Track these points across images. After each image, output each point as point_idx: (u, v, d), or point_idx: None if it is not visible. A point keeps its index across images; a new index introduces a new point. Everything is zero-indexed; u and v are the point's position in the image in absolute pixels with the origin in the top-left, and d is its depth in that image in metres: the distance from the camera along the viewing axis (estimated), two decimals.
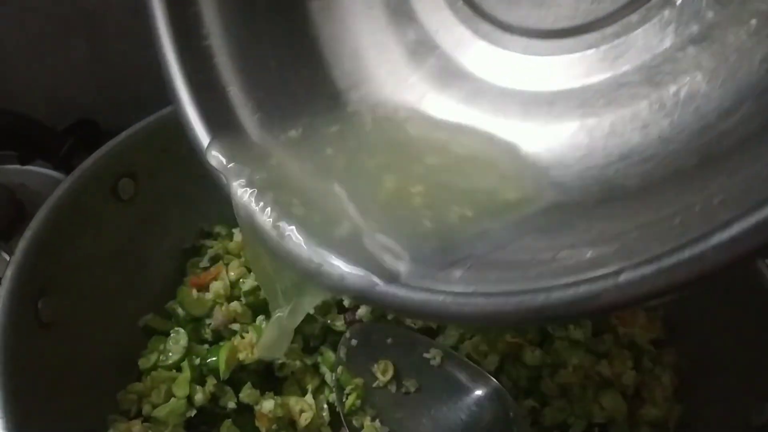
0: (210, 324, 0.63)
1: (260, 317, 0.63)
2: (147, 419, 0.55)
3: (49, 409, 0.50)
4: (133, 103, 0.70)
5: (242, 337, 0.60)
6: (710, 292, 0.62)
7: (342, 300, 0.69)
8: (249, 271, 0.68)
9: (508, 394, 0.59)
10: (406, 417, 0.60)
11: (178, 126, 0.68)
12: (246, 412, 0.60)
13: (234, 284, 0.66)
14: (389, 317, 0.67)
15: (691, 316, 0.65)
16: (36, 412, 0.48)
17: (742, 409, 0.54)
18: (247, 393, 0.59)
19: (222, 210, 0.73)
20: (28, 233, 0.53)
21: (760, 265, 0.56)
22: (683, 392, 0.62)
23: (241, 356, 0.59)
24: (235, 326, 0.62)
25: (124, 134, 0.65)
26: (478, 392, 0.60)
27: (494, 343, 0.63)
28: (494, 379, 0.59)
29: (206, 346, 0.62)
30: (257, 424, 0.58)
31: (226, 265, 0.68)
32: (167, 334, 0.61)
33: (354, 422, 0.59)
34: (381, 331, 0.66)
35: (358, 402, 0.59)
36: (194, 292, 0.64)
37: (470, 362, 0.62)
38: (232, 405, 0.58)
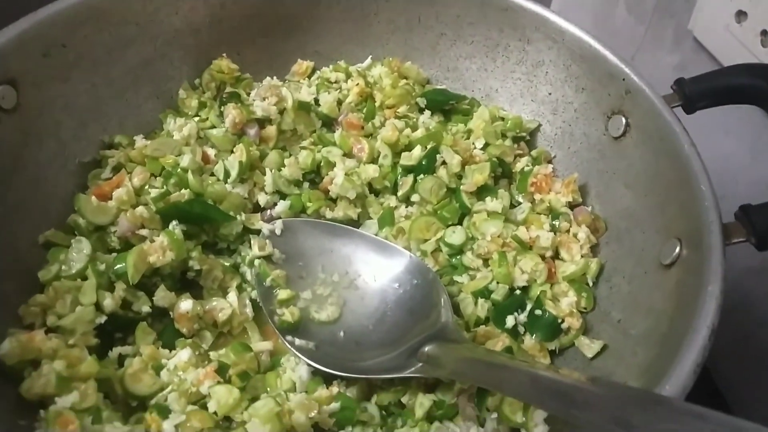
0: (115, 232, 0.59)
1: (173, 222, 0.60)
2: (52, 330, 0.52)
3: None
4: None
5: (152, 241, 0.58)
6: (616, 154, 0.63)
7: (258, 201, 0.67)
8: (154, 176, 0.65)
9: (422, 261, 0.59)
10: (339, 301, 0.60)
11: (62, 28, 0.65)
12: (163, 316, 0.58)
13: (138, 190, 0.63)
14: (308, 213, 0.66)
15: (602, 178, 0.66)
16: None
17: (653, 252, 0.55)
18: (161, 296, 0.56)
19: (122, 120, 0.72)
20: None
21: (670, 119, 0.57)
22: (599, 248, 0.63)
23: (152, 259, 0.56)
24: (144, 232, 0.59)
25: None
26: (400, 265, 0.59)
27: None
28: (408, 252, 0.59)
29: (114, 254, 0.59)
30: (177, 326, 0.56)
31: (129, 172, 0.64)
32: (68, 246, 0.58)
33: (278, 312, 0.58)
34: (302, 225, 0.64)
35: (288, 296, 0.59)
36: (93, 199, 0.60)
37: (388, 242, 0.62)
38: (146, 309, 0.56)
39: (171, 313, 0.57)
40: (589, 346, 0.56)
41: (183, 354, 0.51)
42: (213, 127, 0.71)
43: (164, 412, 0.47)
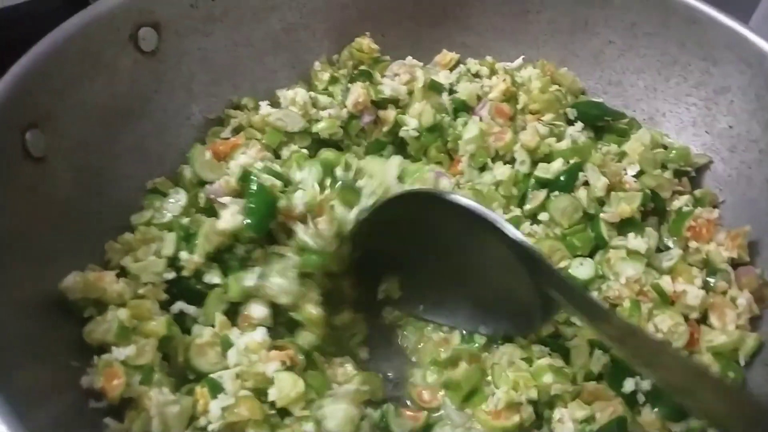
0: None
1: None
2: (124, 272, 0.51)
3: (29, 250, 0.46)
4: None
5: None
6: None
7: None
8: (270, 150, 0.62)
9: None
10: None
11: None
12: None
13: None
14: None
15: None
16: (13, 252, 0.45)
17: None
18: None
19: (254, 83, 0.70)
20: (25, 59, 0.49)
21: None
22: (761, 323, 0.51)
23: (222, 226, 0.52)
24: (226, 199, 0.55)
25: None
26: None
27: None
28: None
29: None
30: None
31: (249, 139, 0.62)
32: (166, 194, 0.56)
33: None
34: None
35: None
36: (208, 153, 0.58)
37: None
38: (216, 280, 0.52)
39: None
40: None
41: (257, 334, 0.47)
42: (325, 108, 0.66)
43: (216, 389, 0.43)
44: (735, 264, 0.53)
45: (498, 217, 0.50)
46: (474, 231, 0.51)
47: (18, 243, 0.46)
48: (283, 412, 0.45)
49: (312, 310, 0.51)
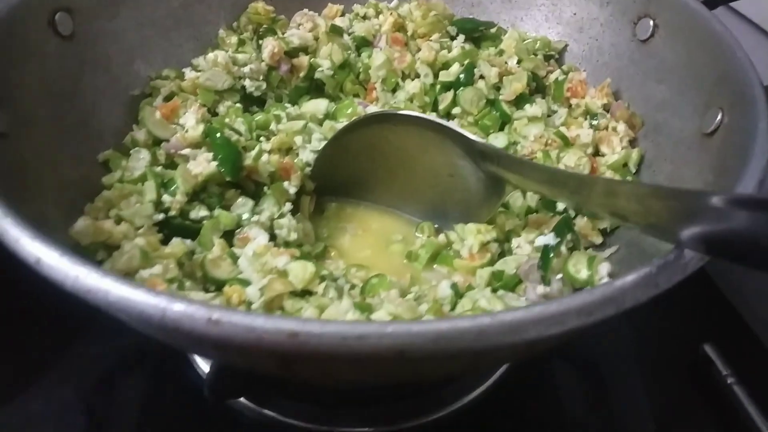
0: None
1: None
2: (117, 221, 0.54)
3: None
4: None
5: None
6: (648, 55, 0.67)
7: None
8: (208, 109, 0.67)
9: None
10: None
11: None
12: None
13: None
14: None
15: (635, 80, 0.69)
16: None
17: (693, 128, 0.58)
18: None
19: (166, 58, 0.74)
20: None
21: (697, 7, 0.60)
22: (637, 142, 0.66)
23: (196, 170, 0.57)
24: (186, 151, 0.60)
25: None
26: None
27: None
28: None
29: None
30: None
31: (184, 102, 0.67)
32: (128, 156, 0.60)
33: None
34: None
35: None
36: (158, 113, 0.63)
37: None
38: (203, 213, 0.57)
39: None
40: None
41: (260, 238, 0.53)
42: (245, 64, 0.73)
43: (244, 283, 0.49)
44: (607, 108, 0.68)
45: (441, 120, 0.61)
46: (424, 138, 0.60)
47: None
48: (306, 293, 0.51)
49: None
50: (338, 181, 0.65)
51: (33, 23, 0.59)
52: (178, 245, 0.51)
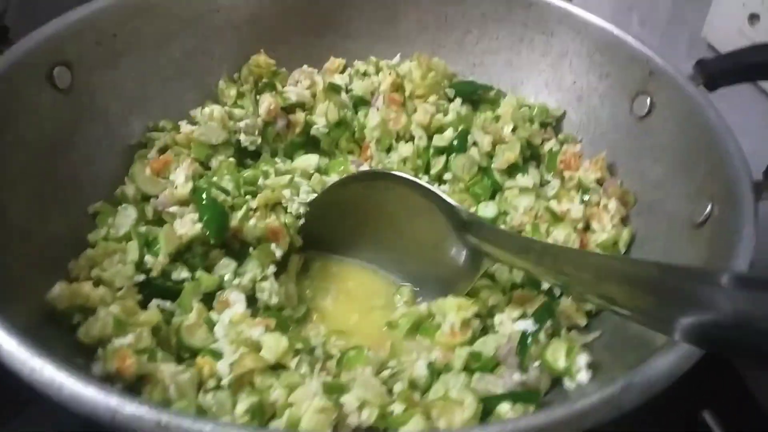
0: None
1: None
2: (96, 284, 0.54)
3: None
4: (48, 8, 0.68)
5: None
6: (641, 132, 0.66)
7: None
8: (201, 164, 0.68)
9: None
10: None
11: (113, 19, 0.69)
12: None
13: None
14: None
15: (630, 156, 0.68)
16: None
17: (684, 215, 0.57)
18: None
19: (165, 108, 0.75)
20: None
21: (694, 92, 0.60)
22: (629, 220, 0.65)
23: (182, 231, 0.57)
24: (174, 209, 0.60)
25: (54, 21, 0.63)
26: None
27: None
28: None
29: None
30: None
31: (177, 154, 0.67)
32: (116, 213, 0.61)
33: None
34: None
35: None
36: (148, 170, 0.63)
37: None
38: (185, 275, 0.57)
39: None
40: None
41: (238, 307, 0.53)
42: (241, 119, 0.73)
43: (216, 355, 0.49)
44: (600, 182, 0.68)
45: (428, 184, 0.61)
46: (412, 201, 0.61)
47: None
48: (279, 367, 0.51)
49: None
50: (325, 235, 0.65)
51: (31, 79, 0.60)
52: (154, 313, 0.51)
